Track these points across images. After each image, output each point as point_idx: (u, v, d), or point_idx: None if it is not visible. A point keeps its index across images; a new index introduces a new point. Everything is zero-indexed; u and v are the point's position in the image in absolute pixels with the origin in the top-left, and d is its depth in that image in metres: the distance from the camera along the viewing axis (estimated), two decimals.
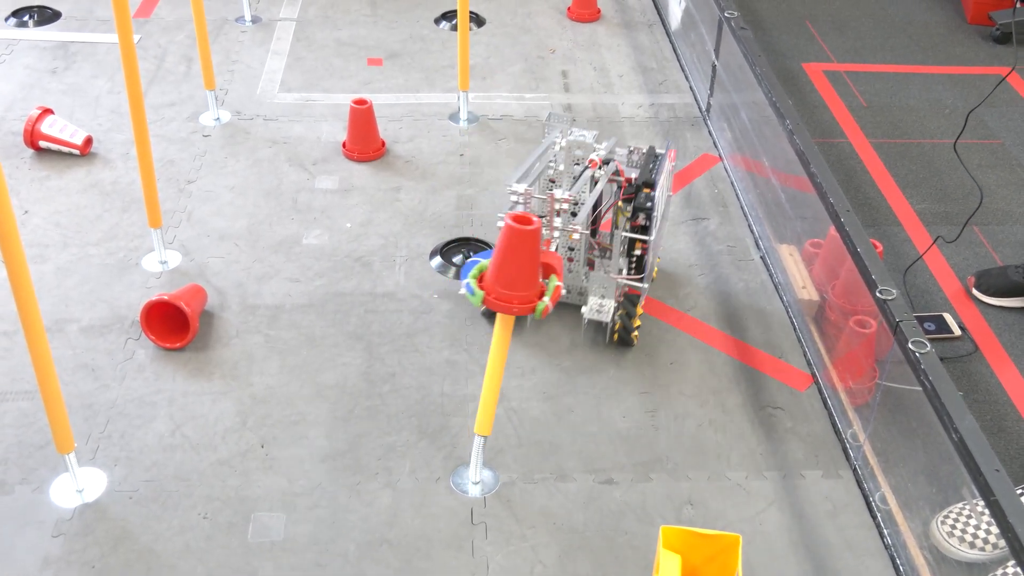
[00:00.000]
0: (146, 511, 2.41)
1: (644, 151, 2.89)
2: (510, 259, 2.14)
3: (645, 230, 2.77)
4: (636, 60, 4.39)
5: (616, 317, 2.86)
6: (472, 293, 2.21)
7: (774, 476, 2.55)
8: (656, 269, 3.14)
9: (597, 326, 2.96)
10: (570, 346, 2.91)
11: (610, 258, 2.85)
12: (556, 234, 2.65)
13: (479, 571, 2.31)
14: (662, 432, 2.66)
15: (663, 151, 2.92)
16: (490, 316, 2.99)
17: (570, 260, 2.93)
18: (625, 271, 2.86)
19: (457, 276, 3.14)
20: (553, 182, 2.94)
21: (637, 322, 2.87)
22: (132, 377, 2.76)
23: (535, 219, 2.13)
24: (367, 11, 4.71)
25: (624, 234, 2.79)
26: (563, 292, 2.89)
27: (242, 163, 3.62)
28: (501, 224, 2.32)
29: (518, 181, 2.65)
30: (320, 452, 2.57)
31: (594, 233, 2.93)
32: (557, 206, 2.66)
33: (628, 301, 2.83)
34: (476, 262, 2.38)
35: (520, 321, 2.97)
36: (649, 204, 2.74)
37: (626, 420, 2.69)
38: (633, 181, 2.77)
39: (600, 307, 2.88)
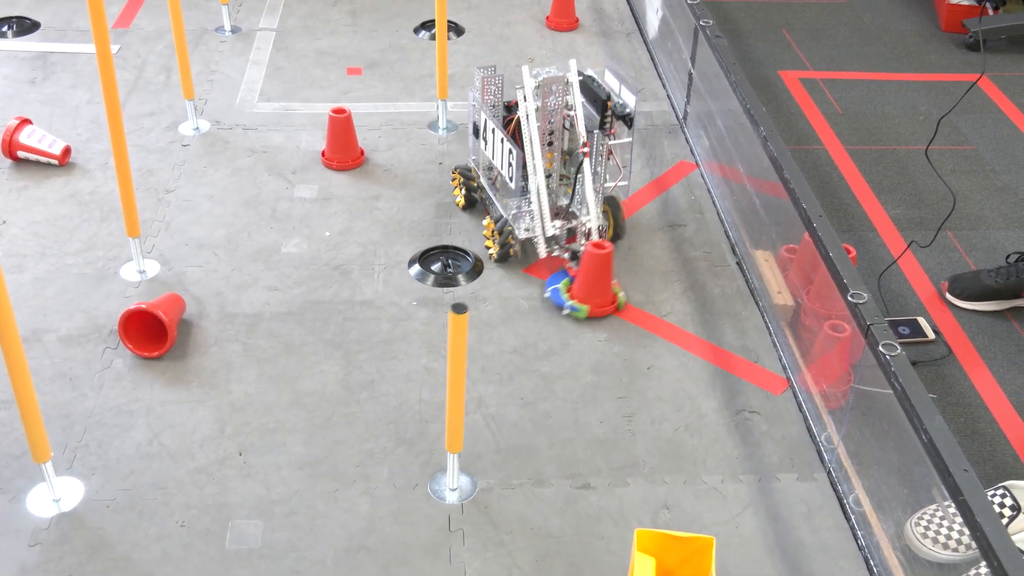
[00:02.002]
0: (123, 519, 2.41)
1: (568, 80, 3.12)
2: (597, 275, 2.97)
3: (629, 120, 3.11)
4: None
5: (607, 218, 3.26)
6: (577, 310, 2.99)
7: (750, 479, 2.57)
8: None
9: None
10: (547, 352, 2.92)
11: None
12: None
13: None
14: (639, 437, 2.68)
15: (588, 71, 3.22)
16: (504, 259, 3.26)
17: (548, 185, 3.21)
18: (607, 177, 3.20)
19: (436, 284, 3.15)
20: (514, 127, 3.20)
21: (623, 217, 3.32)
22: (110, 386, 2.76)
23: (607, 244, 2.98)
24: (347, 21, 4.73)
25: (609, 141, 3.10)
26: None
27: (221, 172, 3.63)
28: (520, 233, 3.11)
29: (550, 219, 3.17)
30: (298, 459, 2.58)
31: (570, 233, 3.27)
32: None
33: (613, 201, 3.27)
34: (557, 289, 3.06)
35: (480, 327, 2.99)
36: (627, 110, 3.09)
37: (603, 425, 2.70)
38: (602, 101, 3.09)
39: (588, 217, 3.16)
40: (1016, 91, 4.38)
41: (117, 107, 2.83)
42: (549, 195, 3.16)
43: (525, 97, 3.10)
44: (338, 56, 4.42)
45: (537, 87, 3.10)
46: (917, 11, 5.07)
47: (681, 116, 4.03)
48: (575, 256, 3.15)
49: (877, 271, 3.29)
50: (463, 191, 3.42)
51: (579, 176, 3.11)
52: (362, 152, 3.73)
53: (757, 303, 3.13)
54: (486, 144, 3.26)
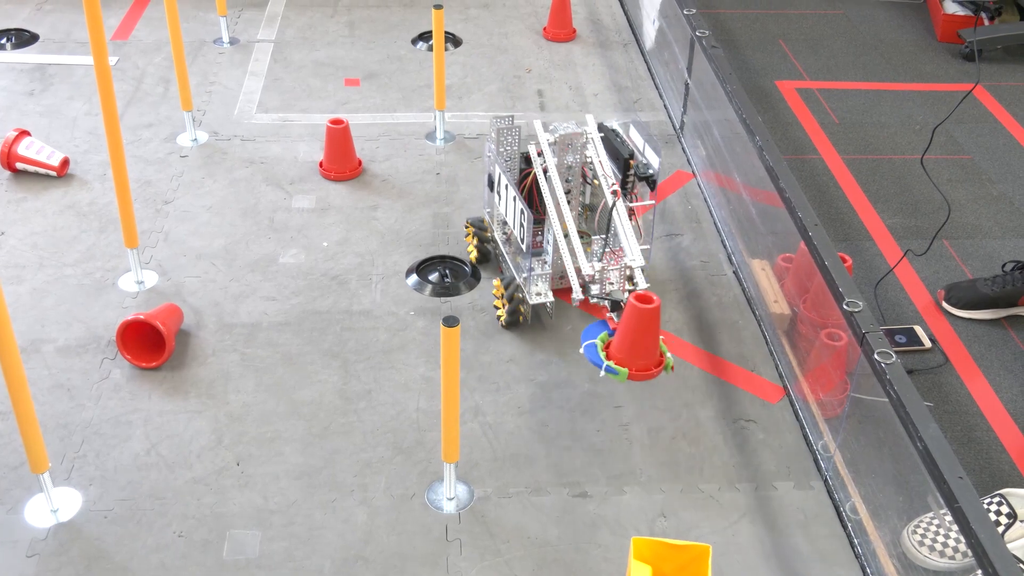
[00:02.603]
0: (121, 530, 2.41)
1: (588, 136, 3.04)
2: (642, 334, 2.55)
3: (652, 183, 2.97)
4: (611, 79, 4.44)
5: (627, 289, 2.95)
6: (616, 373, 2.57)
7: (746, 488, 2.57)
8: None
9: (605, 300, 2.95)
10: (544, 361, 2.93)
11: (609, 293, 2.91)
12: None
13: None
14: (636, 445, 2.68)
15: (612, 125, 3.11)
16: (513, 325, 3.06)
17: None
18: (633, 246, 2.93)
19: (433, 294, 3.16)
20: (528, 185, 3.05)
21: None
22: (108, 397, 2.76)
23: (655, 298, 2.54)
24: (345, 32, 4.75)
25: (628, 204, 2.94)
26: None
27: (219, 183, 3.64)
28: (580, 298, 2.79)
29: (588, 262, 2.86)
30: (296, 469, 2.58)
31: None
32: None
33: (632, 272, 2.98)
34: (594, 345, 2.65)
35: (483, 335, 3.00)
36: (651, 171, 2.96)
37: (600, 434, 2.71)
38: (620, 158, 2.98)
39: (610, 285, 2.94)
40: (1012, 101, 4.40)
41: (115, 118, 2.85)
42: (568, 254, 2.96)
43: (540, 153, 3.00)
44: (336, 67, 4.44)
45: (553, 143, 2.99)
46: (913, 21, 5.09)
47: (678, 126, 4.04)
48: (616, 306, 2.77)
49: (874, 280, 3.30)
50: (476, 244, 3.25)
51: (611, 218, 2.92)
52: (360, 162, 3.75)
53: (754, 312, 3.14)
54: (499, 199, 3.10)
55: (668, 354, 2.62)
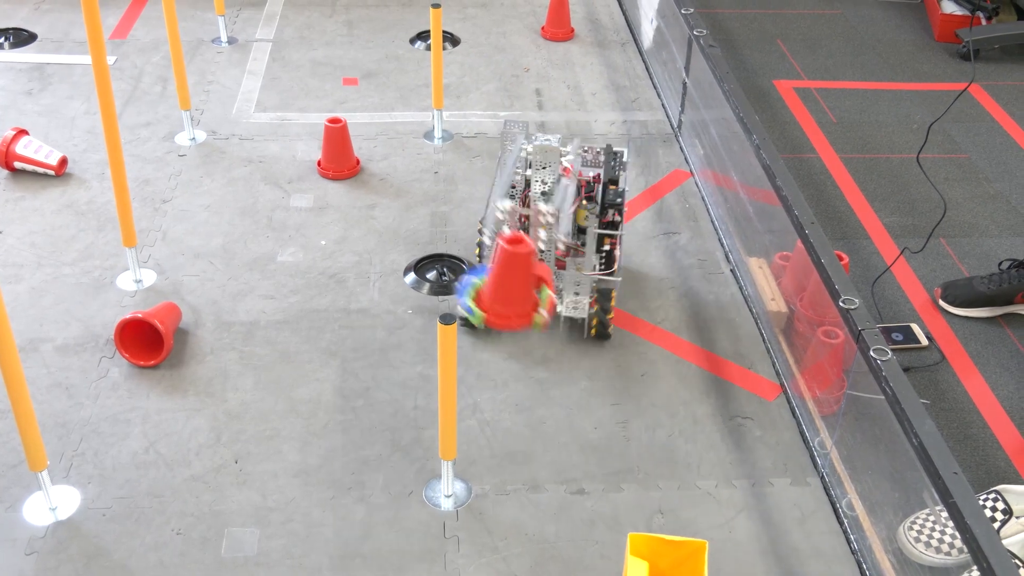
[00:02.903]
0: (120, 528, 2.42)
1: (599, 150, 3.02)
2: (507, 279, 2.31)
3: (615, 225, 2.88)
4: (609, 78, 4.45)
5: (593, 313, 2.93)
6: (472, 313, 2.37)
7: (743, 484, 2.58)
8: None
9: (572, 322, 3.02)
10: (543, 359, 2.94)
11: (581, 256, 2.94)
12: (541, 245, 2.76)
13: None
14: (633, 442, 2.69)
15: (621, 150, 3.05)
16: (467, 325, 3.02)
17: (540, 261, 2.96)
18: (596, 267, 2.95)
19: (431, 292, 3.16)
20: (526, 196, 2.98)
21: (611, 315, 2.94)
22: (106, 395, 2.77)
23: (528, 240, 2.31)
24: (343, 32, 4.75)
25: (596, 231, 2.88)
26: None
27: (217, 182, 3.65)
28: (485, 240, 2.43)
29: (502, 199, 2.72)
30: (294, 467, 2.59)
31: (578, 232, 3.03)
32: (543, 219, 2.76)
33: (602, 296, 2.91)
34: (470, 282, 2.45)
35: (485, 336, 3.00)
36: (619, 200, 2.87)
37: (598, 431, 2.71)
38: (598, 180, 2.92)
39: (576, 304, 2.93)
40: (1008, 100, 4.41)
41: (114, 117, 2.85)
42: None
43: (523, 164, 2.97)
44: (334, 66, 4.45)
45: (529, 155, 2.93)
46: (911, 21, 5.10)
47: (675, 125, 4.05)
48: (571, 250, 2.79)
49: (871, 278, 3.31)
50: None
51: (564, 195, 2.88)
52: (358, 162, 3.75)
53: (751, 310, 3.15)
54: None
55: (543, 311, 2.39)
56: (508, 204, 2.79)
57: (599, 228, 2.89)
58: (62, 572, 2.31)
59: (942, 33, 4.88)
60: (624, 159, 3.06)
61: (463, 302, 2.42)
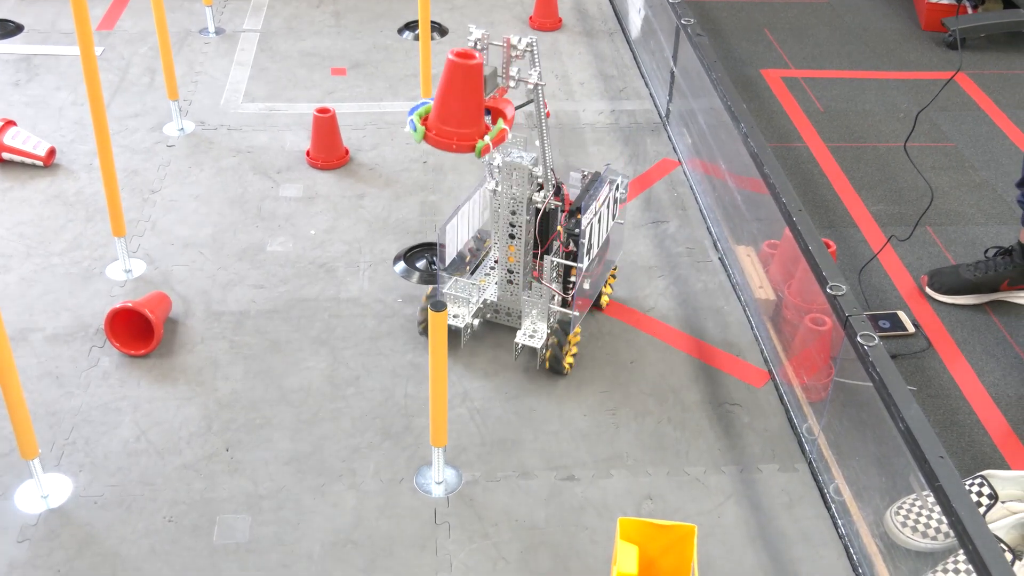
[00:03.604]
0: (111, 515, 2.42)
1: (592, 174, 2.84)
2: (452, 95, 2.10)
3: (574, 256, 2.71)
4: (597, 68, 4.46)
5: (547, 344, 2.80)
6: (414, 129, 2.18)
7: (732, 470, 2.60)
8: (606, 302, 3.08)
9: (531, 351, 2.88)
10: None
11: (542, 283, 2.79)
12: (512, 83, 2.49)
13: (443, 569, 2.34)
14: (622, 429, 2.70)
15: (605, 175, 2.83)
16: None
17: (510, 283, 2.89)
18: (558, 298, 2.79)
19: (421, 281, 3.17)
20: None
21: (573, 349, 2.82)
22: (97, 384, 2.77)
23: (477, 55, 2.10)
24: (331, 22, 4.75)
25: (555, 259, 2.73)
26: (496, 150, 2.52)
27: (206, 172, 3.65)
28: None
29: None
30: (285, 455, 2.60)
31: (539, 257, 2.85)
32: (513, 52, 2.49)
33: (560, 328, 2.76)
34: (426, 103, 2.28)
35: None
36: (577, 230, 2.65)
37: (587, 418, 2.73)
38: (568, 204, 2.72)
39: (533, 332, 2.83)
40: (995, 88, 4.43)
41: (102, 108, 2.85)
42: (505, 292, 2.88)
43: (491, 174, 2.72)
44: (322, 57, 4.44)
45: (497, 168, 2.69)
46: (897, 10, 5.12)
47: (663, 114, 4.06)
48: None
49: (858, 266, 3.33)
50: None
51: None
52: (347, 151, 3.76)
53: (739, 298, 3.17)
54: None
55: (487, 139, 2.19)
56: (481, 31, 2.46)
57: (561, 257, 2.71)
58: (54, 559, 2.32)
59: (928, 22, 4.90)
60: (620, 188, 2.89)
61: (409, 118, 2.24)
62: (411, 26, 4.69)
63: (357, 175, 3.67)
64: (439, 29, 4.72)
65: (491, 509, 2.48)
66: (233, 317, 3.01)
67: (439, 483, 2.53)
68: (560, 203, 2.74)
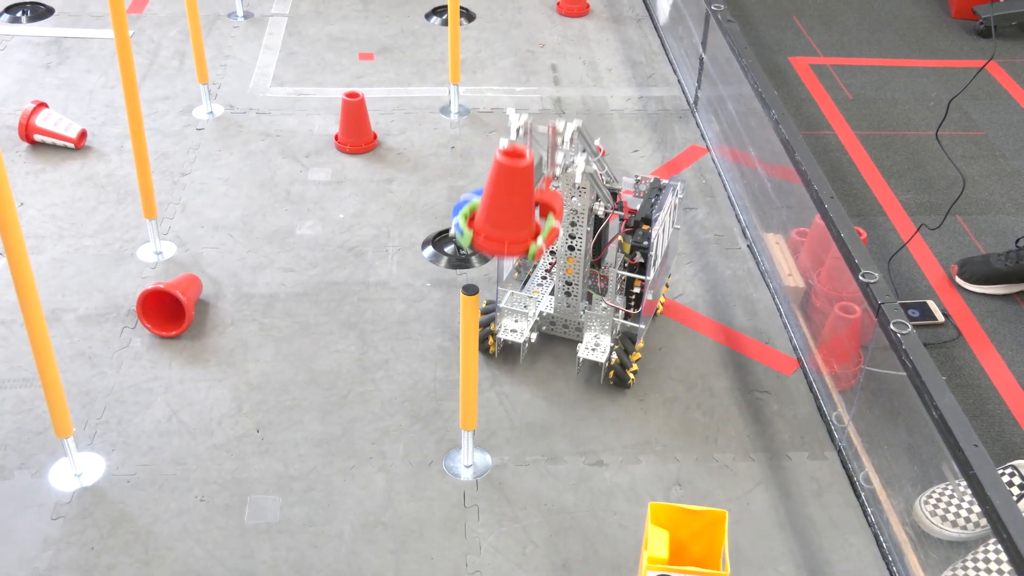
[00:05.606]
0: (144, 494, 2.45)
1: (651, 183, 2.77)
2: (501, 196, 1.99)
3: (642, 267, 2.64)
4: (625, 54, 4.44)
5: (612, 355, 2.72)
6: (461, 233, 2.07)
7: (761, 457, 2.60)
8: (661, 307, 3.03)
9: (593, 365, 2.82)
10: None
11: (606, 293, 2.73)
12: (558, 171, 2.38)
13: (472, 552, 2.35)
14: (651, 415, 2.71)
15: (670, 183, 2.79)
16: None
17: (567, 295, 2.82)
18: (622, 311, 2.73)
19: (449, 265, 3.18)
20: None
21: (636, 356, 2.75)
22: (129, 365, 2.79)
23: (527, 152, 1.96)
24: (358, 6, 4.75)
25: (620, 272, 2.68)
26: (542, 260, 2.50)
27: (235, 156, 3.66)
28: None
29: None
30: (315, 437, 2.61)
31: (596, 266, 2.85)
32: (559, 140, 2.36)
33: (625, 338, 2.71)
34: (468, 199, 2.16)
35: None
36: (646, 243, 2.59)
37: (616, 404, 2.73)
38: (634, 216, 2.64)
39: (596, 345, 2.75)
40: None
41: (135, 91, 2.87)
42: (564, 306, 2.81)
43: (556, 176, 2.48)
44: (350, 41, 4.45)
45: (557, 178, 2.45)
46: None
47: (692, 101, 4.05)
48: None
49: (887, 255, 3.31)
50: None
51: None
52: (375, 136, 3.76)
53: (768, 285, 3.16)
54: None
55: (540, 242, 2.06)
56: (522, 117, 2.29)
57: (625, 270, 2.64)
58: (87, 536, 2.34)
59: (959, 9, 4.86)
60: (679, 194, 2.82)
61: (455, 221, 2.11)
62: (439, 11, 4.69)
63: (385, 160, 3.68)
64: (467, 14, 4.71)
65: (520, 493, 2.49)
66: (263, 300, 3.03)
67: (468, 466, 2.54)
68: (620, 213, 2.65)
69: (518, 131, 2.31)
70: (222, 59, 4.26)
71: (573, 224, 2.69)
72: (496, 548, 2.36)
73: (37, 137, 3.62)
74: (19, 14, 4.54)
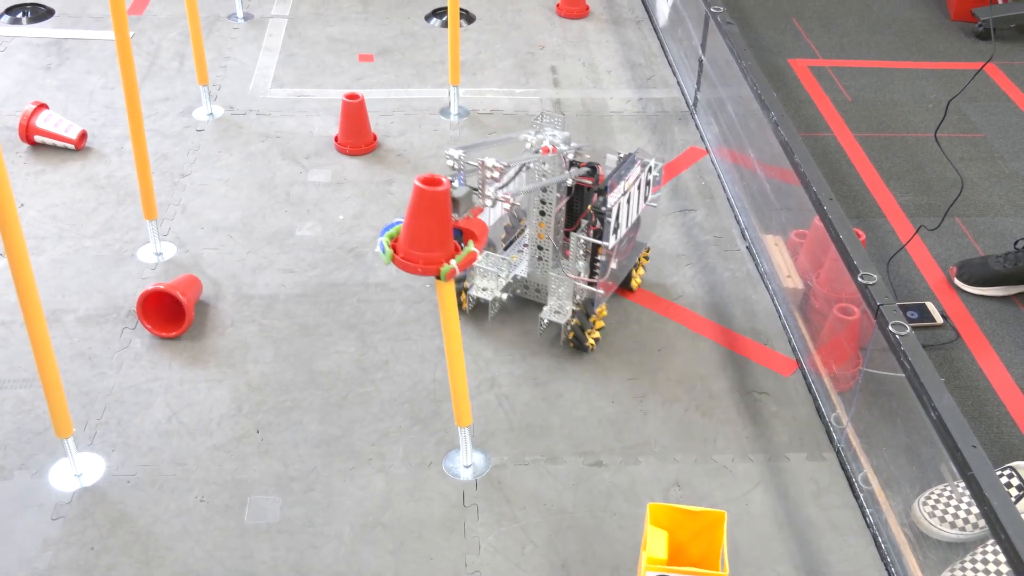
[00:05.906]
0: (144, 495, 2.45)
1: (623, 156, 2.89)
2: (419, 220, 2.14)
3: (602, 234, 2.74)
4: (624, 56, 4.45)
5: (570, 321, 2.84)
6: (383, 251, 2.20)
7: (759, 458, 2.61)
8: (639, 280, 3.11)
9: (558, 326, 2.93)
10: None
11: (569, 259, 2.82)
12: (488, 202, 2.65)
13: (471, 552, 2.36)
14: (650, 416, 2.71)
15: (637, 156, 2.88)
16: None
17: (539, 259, 2.93)
18: (585, 275, 2.82)
19: None
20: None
21: (600, 324, 2.85)
22: (129, 365, 2.80)
23: (444, 180, 2.12)
24: (358, 8, 4.76)
25: (583, 237, 2.76)
26: (479, 258, 2.68)
27: (235, 157, 3.67)
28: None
29: (462, 150, 2.67)
30: (314, 437, 2.62)
31: (569, 235, 2.89)
32: (488, 174, 2.69)
33: (588, 303, 2.81)
34: (397, 223, 2.28)
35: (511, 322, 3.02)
36: (604, 208, 2.69)
37: (615, 405, 2.74)
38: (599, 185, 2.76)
39: (559, 309, 2.86)
40: None
41: (135, 92, 2.87)
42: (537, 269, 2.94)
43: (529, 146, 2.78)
44: (350, 43, 4.46)
45: (528, 150, 2.75)
46: (926, 0, 5.08)
47: (691, 103, 4.06)
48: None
49: (886, 257, 3.32)
50: None
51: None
52: (375, 137, 3.77)
53: (767, 286, 3.17)
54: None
55: (453, 264, 2.19)
56: (457, 152, 2.63)
57: (586, 236, 2.75)
58: (87, 537, 2.34)
59: (958, 12, 4.87)
60: (653, 171, 2.92)
61: (380, 240, 2.24)
62: (439, 13, 4.70)
63: (385, 161, 3.69)
64: (467, 16, 4.72)
65: (519, 493, 2.49)
66: (263, 301, 3.03)
67: (467, 466, 2.54)
68: (592, 182, 2.77)
69: (453, 165, 2.65)
70: (222, 60, 4.27)
71: (544, 190, 2.80)
72: (495, 548, 2.36)
73: (37, 138, 3.63)
74: (19, 15, 4.54)
